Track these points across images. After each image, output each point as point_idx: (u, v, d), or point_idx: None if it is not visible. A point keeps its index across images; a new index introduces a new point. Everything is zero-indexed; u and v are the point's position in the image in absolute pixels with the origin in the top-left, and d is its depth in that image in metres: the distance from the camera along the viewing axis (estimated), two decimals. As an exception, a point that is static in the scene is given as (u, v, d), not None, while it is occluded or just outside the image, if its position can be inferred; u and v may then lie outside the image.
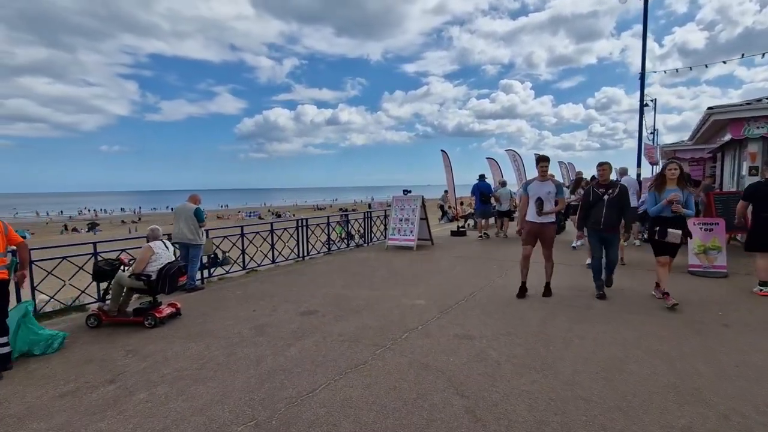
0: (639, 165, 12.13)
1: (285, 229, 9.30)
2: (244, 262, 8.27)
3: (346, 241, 11.47)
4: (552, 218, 5.68)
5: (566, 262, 7.74)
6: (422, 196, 10.79)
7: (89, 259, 6.06)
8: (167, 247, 5.29)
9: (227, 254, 9.57)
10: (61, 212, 74.10)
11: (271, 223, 8.93)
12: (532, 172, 21.74)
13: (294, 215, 49.98)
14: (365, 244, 11.58)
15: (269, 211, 58.06)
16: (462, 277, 7.05)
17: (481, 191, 12.48)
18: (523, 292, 5.74)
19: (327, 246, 10.32)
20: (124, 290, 5.16)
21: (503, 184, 13.61)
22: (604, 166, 5.65)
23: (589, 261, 7.18)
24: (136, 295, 5.70)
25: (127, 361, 4.00)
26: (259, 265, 8.51)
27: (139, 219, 55.85)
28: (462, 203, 19.81)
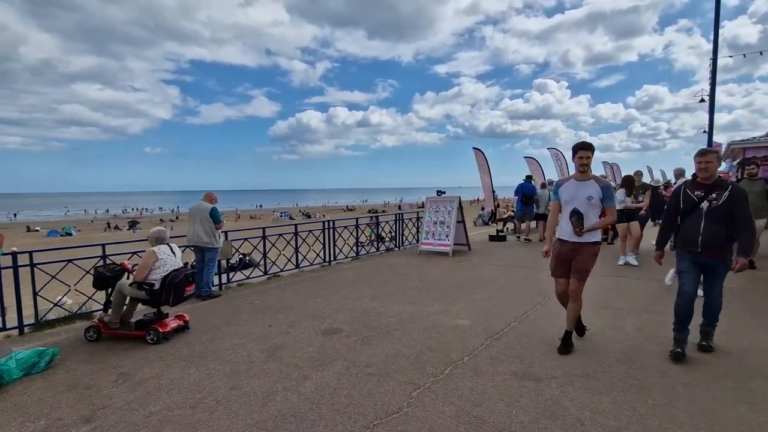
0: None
1: (310, 231, 8.62)
2: (265, 266, 7.64)
3: (375, 244, 10.69)
4: (595, 236, 3.85)
5: (637, 276, 6.59)
6: (459, 197, 9.85)
7: (98, 261, 5.57)
8: (174, 253, 4.66)
9: (248, 256, 9.04)
10: (107, 210, 77.80)
11: (295, 225, 8.28)
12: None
13: (324, 216, 49.98)
14: (396, 248, 10.76)
15: (300, 211, 58.37)
16: (509, 291, 6.09)
17: (523, 192, 11.60)
18: (567, 345, 3.88)
19: (355, 250, 9.58)
20: (127, 300, 4.58)
21: (544, 185, 12.61)
22: (709, 157, 3.61)
23: (671, 276, 5.97)
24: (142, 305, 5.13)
25: (114, 389, 3.36)
26: (281, 270, 7.86)
27: (177, 218, 57.48)
28: (498, 205, 18.68)
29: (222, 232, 6.66)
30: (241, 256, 8.97)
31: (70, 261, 5.37)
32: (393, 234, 10.89)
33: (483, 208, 24.39)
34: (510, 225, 13.68)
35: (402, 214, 11.14)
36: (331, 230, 8.88)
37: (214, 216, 6.21)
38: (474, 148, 14.52)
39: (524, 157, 15.16)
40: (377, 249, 10.28)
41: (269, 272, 7.68)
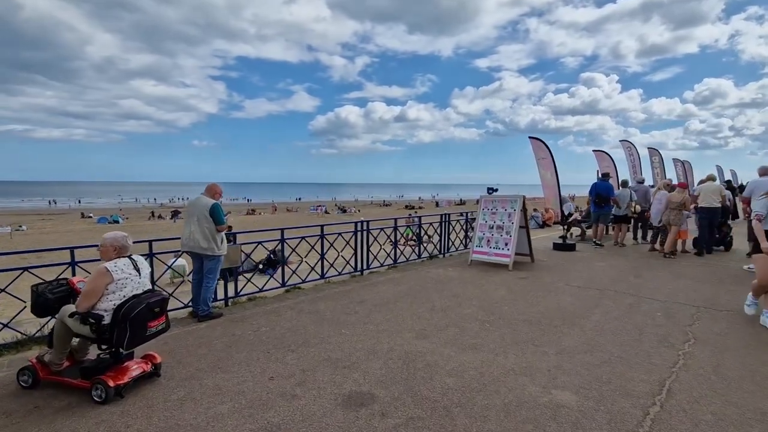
0: None
1: (339, 234, 7.11)
2: (283, 276, 6.23)
3: (416, 248, 9.03)
4: None
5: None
6: (523, 197, 8.00)
7: (66, 269, 4.32)
8: (138, 270, 3.25)
9: (277, 253, 7.67)
10: (154, 199, 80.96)
11: (321, 227, 6.80)
12: (648, 169, 17.53)
13: (358, 210, 48.81)
14: (441, 255, 9.08)
15: (336, 205, 57.57)
16: (614, 335, 4.27)
17: (597, 192, 9.80)
18: None
19: (393, 256, 8.00)
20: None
21: (624, 183, 10.61)
22: None
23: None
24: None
25: None
26: (303, 281, 6.42)
27: (217, 208, 58.42)
28: (547, 210, 16.48)
29: (227, 234, 5.28)
30: (267, 254, 7.77)
31: (25, 269, 4.14)
32: (438, 237, 9.21)
33: (535, 209, 22.15)
34: (576, 230, 11.58)
35: (449, 215, 9.42)
36: (365, 232, 7.34)
37: (216, 215, 4.81)
38: (531, 137, 12.41)
39: (593, 151, 12.91)
40: (419, 255, 8.64)
41: (288, 283, 6.26)
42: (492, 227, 8.07)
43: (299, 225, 9.11)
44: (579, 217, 11.58)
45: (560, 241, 9.83)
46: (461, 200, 63.42)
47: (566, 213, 15.14)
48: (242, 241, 5.95)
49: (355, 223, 7.34)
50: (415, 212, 31.34)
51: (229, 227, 5.10)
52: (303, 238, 6.60)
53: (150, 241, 4.98)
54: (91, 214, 43.61)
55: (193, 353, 3.85)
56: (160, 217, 47.36)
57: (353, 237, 7.21)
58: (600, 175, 10.32)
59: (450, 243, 9.36)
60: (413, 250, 8.67)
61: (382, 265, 7.72)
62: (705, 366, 3.46)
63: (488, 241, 8.02)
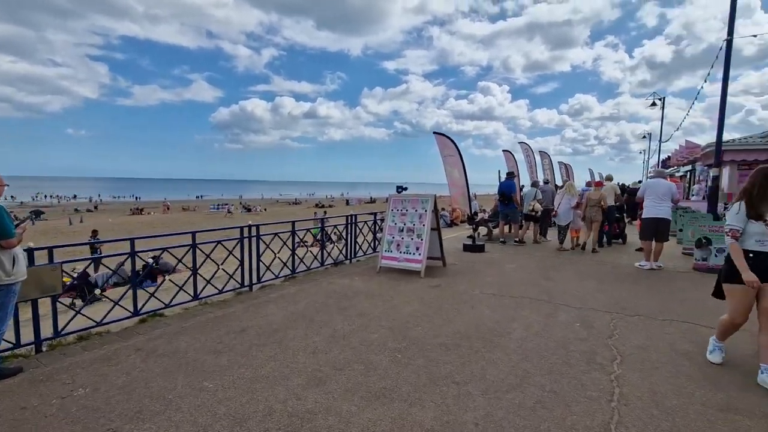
0: (719, 164, 9.13)
1: (218, 242, 5.70)
2: (135, 302, 4.68)
3: (320, 254, 7.94)
4: None
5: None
6: (434, 196, 7.41)
7: None
8: None
9: (159, 260, 6.03)
10: (12, 197, 66.80)
11: (193, 234, 5.32)
12: (540, 171, 18.74)
13: (265, 210, 45.83)
14: (347, 261, 8.13)
15: (241, 203, 53.33)
16: (539, 357, 3.70)
17: (501, 191, 10.28)
18: None
19: (290, 266, 6.81)
20: None
21: (534, 184, 11.19)
22: None
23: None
24: None
25: None
26: (167, 305, 4.93)
27: (96, 208, 50.08)
28: (454, 210, 16.73)
29: (29, 249, 3.64)
30: (148, 261, 6.14)
31: None
32: (342, 240, 8.23)
33: (443, 208, 22.45)
34: (483, 229, 11.55)
35: (355, 216, 8.50)
36: (255, 239, 6.05)
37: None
38: (436, 132, 11.53)
39: (503, 151, 13.09)
40: (322, 262, 7.56)
41: (140, 311, 4.72)
42: (402, 230, 7.34)
43: (173, 231, 7.42)
44: (486, 216, 11.58)
45: (470, 241, 9.58)
46: (372, 198, 63.63)
47: (447, 221, 15.34)
48: (113, 252, 4.28)
49: (242, 228, 5.99)
50: (324, 212, 30.07)
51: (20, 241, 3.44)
52: (164, 250, 5.09)
53: None
54: None
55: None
56: (16, 218, 39.00)
57: (238, 245, 5.87)
58: (506, 174, 10.43)
59: (357, 247, 8.46)
60: (315, 257, 7.56)
61: (277, 277, 6.50)
62: (642, 395, 2.99)
63: (398, 245, 7.27)
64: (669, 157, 24.53)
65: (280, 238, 6.59)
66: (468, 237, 10.39)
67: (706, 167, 17.03)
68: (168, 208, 46.89)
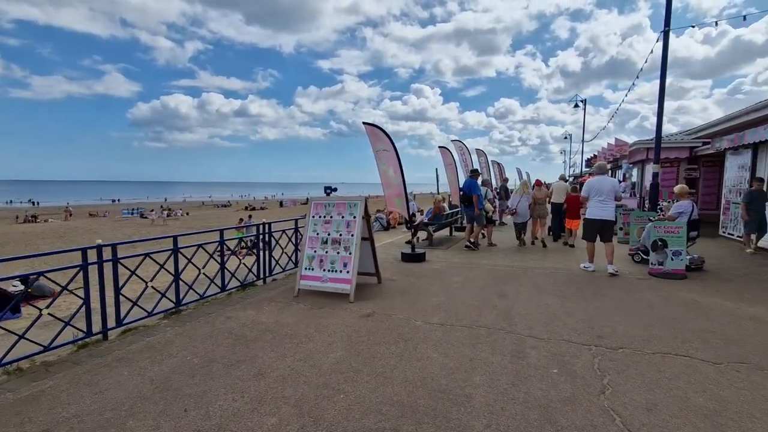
0: (657, 161, 8.84)
1: (60, 268, 3.79)
2: None
3: (221, 269, 6.15)
4: None
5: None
6: (365, 199, 6.02)
7: None
8: None
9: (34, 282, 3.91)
10: None
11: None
12: (480, 166, 18.35)
13: (188, 214, 41.61)
14: (260, 281, 6.48)
15: (162, 208, 47.87)
16: (513, 437, 2.47)
17: (462, 190, 9.44)
18: None
19: (173, 297, 5.02)
20: None
21: (484, 183, 10.61)
22: None
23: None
24: None
25: None
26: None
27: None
28: (391, 212, 15.67)
29: None
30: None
31: None
32: (255, 253, 6.54)
33: (379, 210, 21.28)
34: (422, 234, 10.42)
35: (270, 224, 6.83)
36: (110, 263, 4.22)
37: None
38: (366, 123, 10.06)
39: (439, 147, 12.07)
40: (223, 287, 5.81)
41: None
42: (326, 241, 5.86)
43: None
44: (426, 220, 10.46)
45: (408, 249, 8.35)
46: (307, 199, 61.04)
47: (382, 224, 14.31)
48: None
49: (83, 249, 4.10)
50: (249, 217, 27.54)
51: None
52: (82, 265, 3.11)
53: None
54: None
55: None
56: None
57: (79, 273, 4.01)
58: (470, 172, 9.82)
59: (274, 263, 6.83)
60: (212, 280, 5.78)
61: (151, 314, 4.69)
62: None
63: (321, 260, 5.78)
64: (595, 155, 25.63)
65: (183, 255, 4.77)
66: (406, 243, 9.19)
67: (631, 165, 17.58)
68: (70, 215, 40.87)
